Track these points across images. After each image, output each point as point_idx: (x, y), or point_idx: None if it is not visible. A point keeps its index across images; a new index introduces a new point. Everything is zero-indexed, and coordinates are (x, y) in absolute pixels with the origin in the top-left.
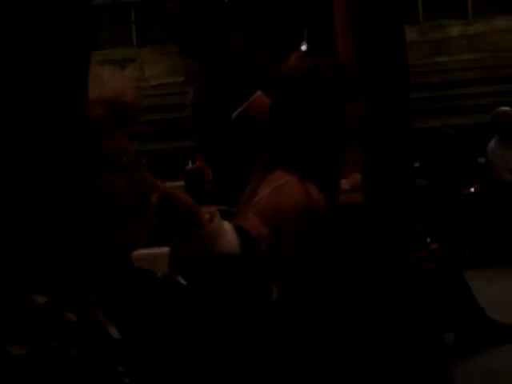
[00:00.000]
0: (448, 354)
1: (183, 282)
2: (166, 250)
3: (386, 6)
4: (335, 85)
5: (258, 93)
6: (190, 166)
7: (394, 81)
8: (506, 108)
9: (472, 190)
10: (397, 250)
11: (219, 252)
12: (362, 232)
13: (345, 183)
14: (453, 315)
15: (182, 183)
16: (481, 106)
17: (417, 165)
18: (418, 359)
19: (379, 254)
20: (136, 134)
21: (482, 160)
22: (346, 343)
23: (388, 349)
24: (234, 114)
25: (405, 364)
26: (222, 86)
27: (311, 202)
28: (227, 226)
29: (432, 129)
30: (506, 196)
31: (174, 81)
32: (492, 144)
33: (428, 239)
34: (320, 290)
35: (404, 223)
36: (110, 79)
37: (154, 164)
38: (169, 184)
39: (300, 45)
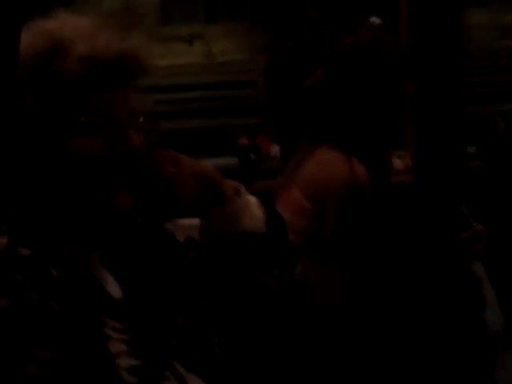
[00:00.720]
0: (495, 339)
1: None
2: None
3: None
4: (395, 60)
5: None
6: (244, 141)
7: (448, 64)
8: None
9: None
10: (443, 231)
11: (244, 230)
12: (409, 213)
13: (400, 164)
14: (503, 301)
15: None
16: None
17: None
18: (459, 344)
19: (426, 235)
20: (200, 110)
21: None
22: (383, 324)
23: (428, 330)
24: (308, 82)
25: (445, 350)
26: (294, 55)
27: (356, 179)
28: (253, 201)
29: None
30: None
31: (240, 58)
32: None
33: (472, 220)
34: (355, 267)
35: (452, 205)
36: (93, 33)
37: (218, 140)
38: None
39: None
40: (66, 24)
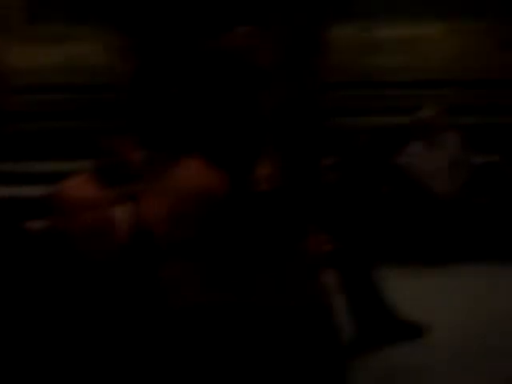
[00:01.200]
0: (347, 350)
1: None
2: None
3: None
4: (256, 67)
5: None
6: (104, 145)
7: (308, 77)
8: (424, 113)
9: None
10: (291, 239)
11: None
12: (267, 221)
13: (261, 173)
14: (356, 313)
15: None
16: (407, 108)
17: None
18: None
19: (276, 241)
20: (62, 112)
21: (401, 161)
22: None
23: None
24: (172, 89)
25: (300, 359)
26: (161, 61)
27: (211, 186)
28: (121, 214)
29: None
30: (419, 198)
31: (108, 60)
32: (413, 146)
33: (318, 228)
34: (211, 271)
35: (307, 215)
36: None
37: (78, 143)
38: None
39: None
40: None
